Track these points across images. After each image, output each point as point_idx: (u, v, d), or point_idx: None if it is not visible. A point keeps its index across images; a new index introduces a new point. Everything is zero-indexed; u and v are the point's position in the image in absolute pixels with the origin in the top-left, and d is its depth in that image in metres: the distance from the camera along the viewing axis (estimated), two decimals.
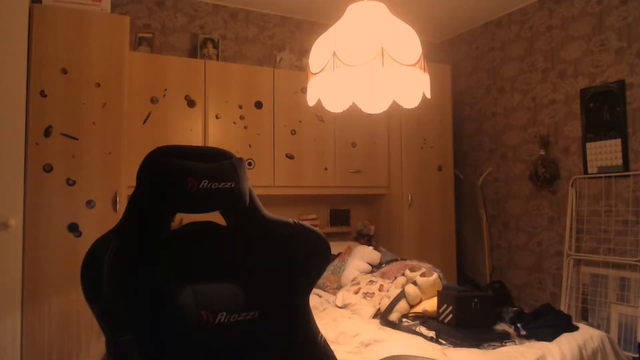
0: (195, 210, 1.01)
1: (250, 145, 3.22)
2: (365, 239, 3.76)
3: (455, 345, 2.03)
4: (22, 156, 2.42)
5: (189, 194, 0.98)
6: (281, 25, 3.87)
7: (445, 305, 2.27)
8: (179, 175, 0.97)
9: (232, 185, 1.04)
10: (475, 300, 2.24)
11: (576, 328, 2.22)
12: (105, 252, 0.94)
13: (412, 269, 2.68)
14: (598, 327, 2.82)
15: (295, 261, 1.12)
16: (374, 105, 1.88)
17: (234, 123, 3.19)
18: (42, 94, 2.53)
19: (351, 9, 1.81)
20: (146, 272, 0.93)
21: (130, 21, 2.87)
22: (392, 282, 2.73)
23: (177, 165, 0.98)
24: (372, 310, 2.59)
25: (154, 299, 0.87)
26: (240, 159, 1.10)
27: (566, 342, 2.07)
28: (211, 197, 1.01)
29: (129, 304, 0.90)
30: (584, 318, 3.15)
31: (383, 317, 2.42)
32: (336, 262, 3.22)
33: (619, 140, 3.02)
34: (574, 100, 3.32)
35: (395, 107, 1.94)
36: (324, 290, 3.07)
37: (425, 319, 2.32)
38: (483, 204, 4.00)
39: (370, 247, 3.36)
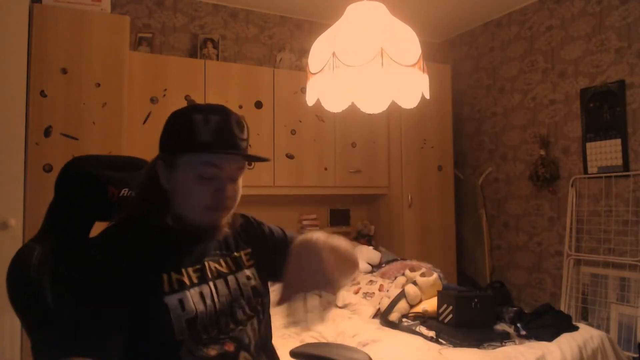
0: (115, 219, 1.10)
1: (250, 145, 3.22)
2: (365, 239, 3.76)
3: (455, 345, 2.03)
4: (22, 156, 2.42)
5: (109, 203, 1.08)
6: (281, 25, 3.88)
7: (445, 305, 2.27)
8: (99, 185, 1.08)
9: None
10: (475, 300, 2.24)
11: (576, 328, 2.22)
12: (30, 260, 1.00)
13: (412, 269, 2.68)
14: (598, 327, 2.82)
15: None
16: (374, 105, 1.88)
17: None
18: (42, 94, 2.53)
19: (351, 9, 1.81)
20: (70, 279, 0.97)
21: (130, 21, 2.87)
22: (392, 282, 2.73)
23: (97, 175, 1.09)
24: (372, 310, 2.59)
25: (80, 305, 0.89)
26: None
27: (566, 342, 2.07)
28: None
29: (54, 308, 0.97)
30: (584, 318, 3.15)
31: (383, 317, 2.42)
32: None
33: (619, 140, 3.02)
34: (574, 100, 3.32)
35: (395, 107, 1.94)
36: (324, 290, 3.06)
37: (425, 319, 2.32)
38: (483, 204, 4.00)
39: (370, 247, 3.36)
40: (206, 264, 1.02)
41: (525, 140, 3.69)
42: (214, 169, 0.97)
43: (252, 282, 1.08)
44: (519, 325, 2.23)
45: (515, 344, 2.07)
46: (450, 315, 2.22)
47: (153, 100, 2.99)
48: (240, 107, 3.21)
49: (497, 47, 3.96)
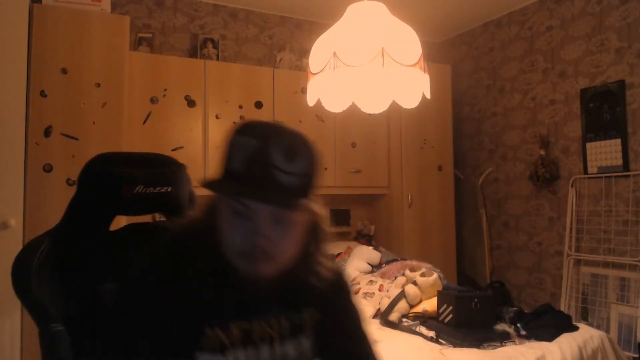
0: (131, 213, 1.09)
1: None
2: (365, 239, 3.76)
3: (455, 345, 2.03)
4: (22, 156, 2.41)
5: (123, 199, 1.05)
6: (281, 25, 3.87)
7: (445, 305, 2.27)
8: (113, 182, 1.05)
9: (169, 190, 1.10)
10: (475, 300, 2.24)
11: (576, 328, 2.22)
12: (36, 253, 1.02)
13: (412, 269, 2.68)
14: (598, 327, 2.82)
15: None
16: (374, 105, 1.88)
17: (234, 123, 3.16)
18: (42, 94, 2.53)
19: (351, 9, 1.81)
20: (79, 272, 0.97)
21: (130, 21, 2.87)
22: (392, 282, 2.73)
23: (112, 173, 1.06)
24: (372, 310, 2.59)
25: (87, 297, 0.89)
26: (181, 165, 1.16)
27: (566, 342, 2.07)
28: (146, 201, 1.08)
29: (59, 299, 0.94)
30: (584, 318, 3.15)
31: (383, 317, 2.42)
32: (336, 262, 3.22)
33: (619, 140, 3.02)
34: (574, 100, 3.32)
35: (395, 107, 1.94)
36: None
37: (425, 319, 2.32)
38: (483, 204, 4.00)
39: (370, 247, 3.36)
40: (256, 322, 0.84)
41: (525, 140, 3.69)
42: (245, 207, 0.78)
43: (303, 356, 0.89)
44: (519, 325, 2.23)
45: (515, 344, 2.07)
46: (450, 315, 2.22)
47: (153, 100, 2.99)
48: (240, 107, 3.21)
49: (497, 47, 3.96)
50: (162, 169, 1.12)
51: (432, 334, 2.15)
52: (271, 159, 0.77)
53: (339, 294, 0.96)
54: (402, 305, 2.41)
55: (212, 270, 0.82)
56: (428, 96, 1.82)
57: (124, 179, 1.07)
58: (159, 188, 1.09)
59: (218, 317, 0.81)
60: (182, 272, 0.82)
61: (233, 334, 0.82)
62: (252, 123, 0.84)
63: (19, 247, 2.35)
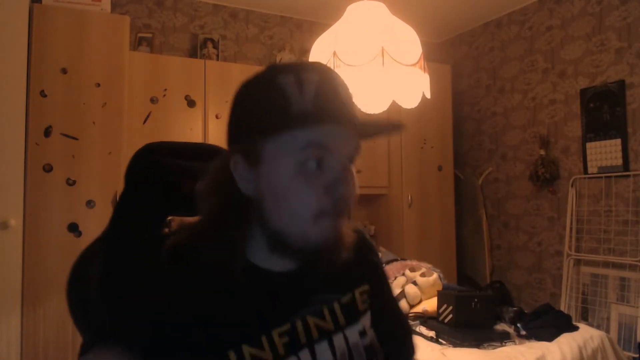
0: (193, 213, 0.82)
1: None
2: None
3: (455, 345, 2.03)
4: (22, 156, 2.42)
5: (184, 196, 0.80)
6: (281, 25, 3.87)
7: (445, 305, 2.27)
8: (173, 177, 0.82)
9: None
10: (475, 300, 2.24)
11: (576, 328, 2.22)
12: (92, 260, 0.85)
13: (412, 269, 2.68)
14: (598, 327, 2.82)
15: None
16: (374, 104, 1.88)
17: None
18: (42, 94, 2.53)
19: (351, 9, 1.81)
20: (137, 277, 0.75)
21: (130, 21, 2.87)
22: (392, 282, 2.73)
23: (172, 166, 0.84)
24: None
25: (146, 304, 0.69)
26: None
27: (566, 342, 2.07)
28: None
29: (117, 309, 0.74)
30: (584, 318, 3.15)
31: None
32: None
33: (619, 140, 3.02)
34: (574, 100, 3.32)
35: (395, 107, 1.94)
36: None
37: (425, 319, 2.32)
38: (483, 204, 4.00)
39: None
40: (300, 320, 0.69)
41: (525, 140, 3.69)
42: (322, 151, 0.64)
43: (367, 338, 0.75)
44: (519, 325, 2.23)
45: (515, 344, 2.07)
46: (450, 315, 2.22)
47: (153, 100, 2.99)
48: None
49: (497, 47, 3.96)
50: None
51: (432, 334, 2.15)
52: (340, 93, 0.66)
53: (373, 261, 0.85)
54: (402, 305, 2.41)
55: (234, 274, 0.67)
56: (428, 96, 1.82)
57: (183, 174, 0.82)
58: None
59: (250, 333, 0.66)
60: (190, 295, 0.66)
61: (275, 344, 0.66)
62: (285, 64, 0.69)
63: (19, 247, 2.37)
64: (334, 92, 0.66)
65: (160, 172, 0.82)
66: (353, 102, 0.69)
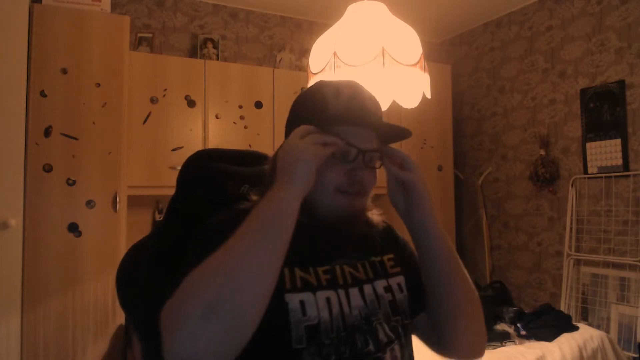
0: None
1: (250, 145, 3.22)
2: None
3: None
4: (22, 156, 2.41)
5: (229, 198, 0.94)
6: (281, 25, 3.87)
7: None
8: (219, 180, 0.97)
9: None
10: None
11: (576, 328, 2.23)
12: (140, 258, 0.95)
13: None
14: (598, 327, 2.82)
15: None
16: None
17: (234, 123, 3.19)
18: (42, 94, 2.53)
19: (351, 9, 1.81)
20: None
21: (130, 21, 2.87)
22: None
23: (218, 170, 0.98)
24: None
25: None
26: None
27: (566, 342, 2.07)
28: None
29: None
30: (584, 318, 3.15)
31: None
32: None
33: (619, 140, 3.02)
34: (574, 100, 3.32)
35: (395, 107, 1.94)
36: None
37: None
38: (483, 204, 4.00)
39: None
40: (339, 266, 0.87)
41: (525, 140, 3.69)
42: (347, 146, 0.86)
43: (391, 295, 0.90)
44: (519, 325, 2.23)
45: (515, 344, 2.07)
46: None
47: (153, 100, 2.99)
48: (240, 107, 3.21)
49: (497, 47, 3.96)
50: (262, 168, 1.01)
51: None
52: (366, 104, 0.90)
53: (393, 234, 1.03)
54: None
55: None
56: (428, 96, 1.82)
57: (230, 177, 0.98)
58: None
59: (300, 261, 0.83)
60: None
61: (319, 275, 0.83)
62: (330, 81, 0.95)
63: (19, 247, 2.37)
64: (361, 103, 0.90)
65: (209, 176, 0.97)
66: (380, 113, 0.94)
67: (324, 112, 0.87)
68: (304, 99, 0.94)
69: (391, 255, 0.96)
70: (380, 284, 0.89)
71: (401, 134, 0.92)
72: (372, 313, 0.85)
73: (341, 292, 0.84)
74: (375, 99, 0.94)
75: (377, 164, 0.92)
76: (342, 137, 0.84)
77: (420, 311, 0.95)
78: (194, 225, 0.89)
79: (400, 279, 0.94)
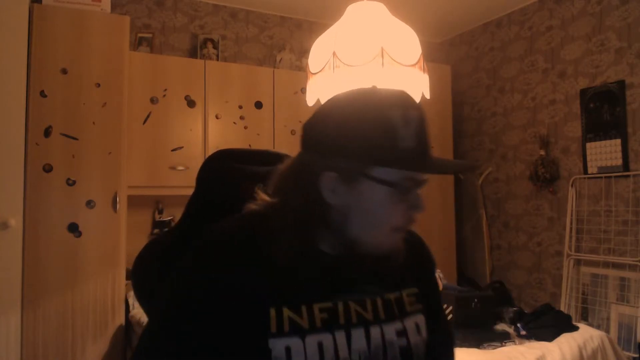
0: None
1: (250, 145, 3.22)
2: None
3: (455, 345, 2.03)
4: (22, 156, 2.42)
5: (243, 198, 0.87)
6: (281, 25, 3.87)
7: (445, 305, 2.27)
8: (234, 179, 0.92)
9: None
10: (475, 300, 2.24)
11: (576, 328, 2.22)
12: (156, 252, 0.95)
13: None
14: (598, 327, 2.82)
15: None
16: None
17: (234, 123, 3.19)
18: (42, 94, 2.53)
19: (351, 9, 1.81)
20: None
21: (130, 21, 2.87)
22: None
23: (233, 170, 0.94)
24: None
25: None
26: None
27: (566, 342, 2.07)
28: None
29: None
30: (584, 318, 3.15)
31: None
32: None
33: (619, 140, 3.01)
34: (574, 100, 3.32)
35: None
36: None
37: None
38: (483, 204, 4.00)
39: None
40: (342, 302, 0.75)
41: (525, 140, 3.68)
42: (415, 183, 0.76)
43: (406, 339, 0.78)
44: (519, 325, 2.23)
45: (515, 344, 2.07)
46: (451, 315, 2.22)
47: (153, 100, 2.99)
48: (240, 107, 3.21)
49: (497, 47, 3.96)
50: (277, 166, 0.97)
51: None
52: (427, 130, 0.76)
53: (427, 267, 0.93)
54: None
55: (289, 252, 0.75)
56: (428, 96, 1.82)
57: (246, 177, 0.92)
58: None
59: (292, 298, 0.73)
60: (251, 251, 0.75)
61: (313, 315, 0.72)
62: (385, 94, 0.77)
63: (19, 247, 2.37)
64: (427, 130, 0.76)
65: (225, 175, 0.94)
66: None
67: (393, 146, 0.72)
68: (363, 121, 0.73)
69: (414, 290, 0.84)
70: (391, 328, 0.77)
71: (464, 168, 0.80)
72: None
73: (339, 334, 0.73)
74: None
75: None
76: (413, 177, 0.75)
77: None
78: (210, 220, 0.85)
79: (420, 318, 0.82)
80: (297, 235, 0.74)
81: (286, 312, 0.71)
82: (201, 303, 0.72)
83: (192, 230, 0.90)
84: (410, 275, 0.85)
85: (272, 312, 0.71)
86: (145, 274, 0.97)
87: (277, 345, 0.70)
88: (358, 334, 0.74)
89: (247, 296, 0.71)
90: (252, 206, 0.80)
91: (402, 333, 0.78)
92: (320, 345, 0.71)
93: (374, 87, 0.84)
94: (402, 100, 0.75)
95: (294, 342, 0.70)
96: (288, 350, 0.70)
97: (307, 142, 0.78)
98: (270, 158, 0.97)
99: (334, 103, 0.79)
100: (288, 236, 0.74)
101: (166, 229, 1.02)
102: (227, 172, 0.95)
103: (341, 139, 0.73)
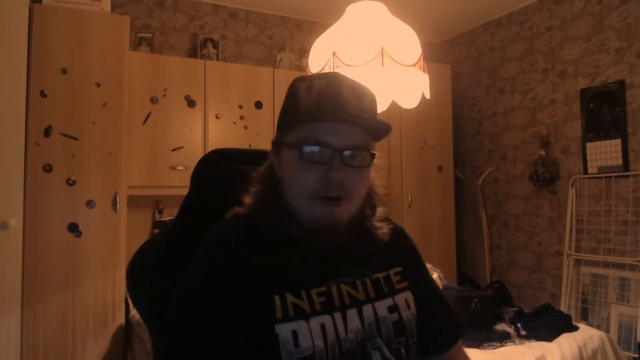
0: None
1: (250, 145, 3.22)
2: None
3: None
4: (22, 156, 2.42)
5: (237, 198, 0.89)
6: (281, 25, 3.87)
7: None
8: (228, 179, 0.93)
9: None
10: (475, 300, 2.24)
11: (576, 328, 2.22)
12: (150, 255, 0.96)
13: None
14: (598, 327, 2.82)
15: None
16: None
17: (234, 123, 3.19)
18: (42, 94, 2.53)
19: (351, 9, 1.81)
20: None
21: (130, 21, 2.87)
22: None
23: (229, 169, 0.96)
24: None
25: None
26: None
27: (566, 342, 2.07)
28: None
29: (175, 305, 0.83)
30: (584, 318, 3.15)
31: None
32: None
33: (619, 140, 3.01)
34: (574, 100, 3.32)
35: (395, 107, 1.94)
36: None
37: None
38: (483, 204, 4.00)
39: None
40: (335, 287, 0.80)
41: (525, 140, 3.68)
42: (317, 145, 0.77)
43: (397, 314, 0.84)
44: (519, 325, 2.23)
45: (515, 344, 2.07)
46: None
47: (153, 100, 2.99)
48: (240, 107, 3.21)
49: (497, 47, 3.96)
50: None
51: None
52: (343, 95, 0.78)
53: (411, 250, 0.97)
54: None
55: (280, 241, 0.81)
56: (428, 96, 1.82)
57: (241, 177, 0.92)
58: None
59: (293, 285, 0.77)
60: (244, 246, 0.80)
61: (312, 300, 0.77)
62: (310, 74, 0.87)
63: (19, 247, 2.37)
64: (336, 94, 0.78)
65: (219, 175, 0.96)
66: (366, 105, 0.81)
67: (295, 109, 0.79)
68: (286, 97, 0.85)
69: (399, 269, 0.89)
70: (383, 304, 0.83)
71: (380, 127, 0.81)
72: (368, 337, 0.79)
73: (337, 315, 0.78)
74: (362, 90, 0.82)
75: (364, 162, 0.81)
76: (314, 136, 0.77)
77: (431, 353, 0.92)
78: (200, 231, 0.87)
79: (408, 295, 0.87)
80: (274, 222, 0.81)
81: (289, 298, 0.76)
82: (212, 307, 0.75)
83: (188, 231, 0.93)
84: (394, 257, 0.90)
85: (277, 299, 0.76)
86: (140, 276, 0.97)
87: (284, 330, 0.74)
88: (352, 314, 0.79)
89: (252, 290, 0.76)
90: (238, 209, 0.85)
91: (393, 309, 0.84)
92: (322, 327, 0.76)
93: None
94: (315, 74, 0.85)
95: (300, 325, 0.75)
96: (294, 333, 0.74)
97: None
98: (265, 157, 0.97)
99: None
100: (268, 226, 0.81)
101: (163, 230, 1.02)
102: (221, 172, 0.96)
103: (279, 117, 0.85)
